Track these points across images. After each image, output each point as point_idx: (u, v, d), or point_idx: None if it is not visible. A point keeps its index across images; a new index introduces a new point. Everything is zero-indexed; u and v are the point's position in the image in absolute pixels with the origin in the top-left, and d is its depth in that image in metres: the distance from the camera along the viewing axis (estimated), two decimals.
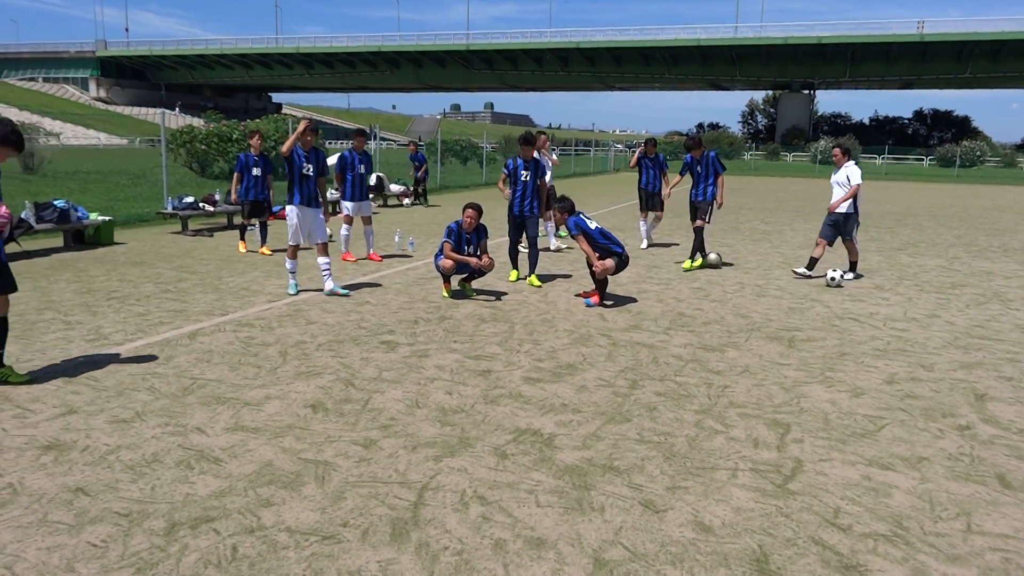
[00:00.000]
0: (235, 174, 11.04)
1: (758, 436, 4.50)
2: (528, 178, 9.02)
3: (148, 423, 4.47)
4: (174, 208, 13.31)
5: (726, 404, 5.04)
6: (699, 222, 10.41)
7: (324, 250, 8.22)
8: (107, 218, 11.88)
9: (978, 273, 10.71)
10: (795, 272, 10.04)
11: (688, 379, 5.56)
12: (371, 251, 10.85)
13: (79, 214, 11.40)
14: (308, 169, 8.00)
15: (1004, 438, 4.56)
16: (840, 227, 9.85)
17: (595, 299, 8.00)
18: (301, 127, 8.07)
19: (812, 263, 9.97)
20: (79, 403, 4.77)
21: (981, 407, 5.10)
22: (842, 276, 9.38)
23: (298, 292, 8.26)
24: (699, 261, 10.59)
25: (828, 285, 9.27)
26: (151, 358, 5.75)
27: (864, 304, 8.38)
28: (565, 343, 6.49)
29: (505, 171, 9.14)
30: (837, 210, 9.78)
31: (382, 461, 4.03)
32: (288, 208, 8.08)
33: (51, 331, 6.47)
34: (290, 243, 8.15)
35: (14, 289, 5.07)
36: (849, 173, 9.74)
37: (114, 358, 5.73)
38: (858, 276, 10.11)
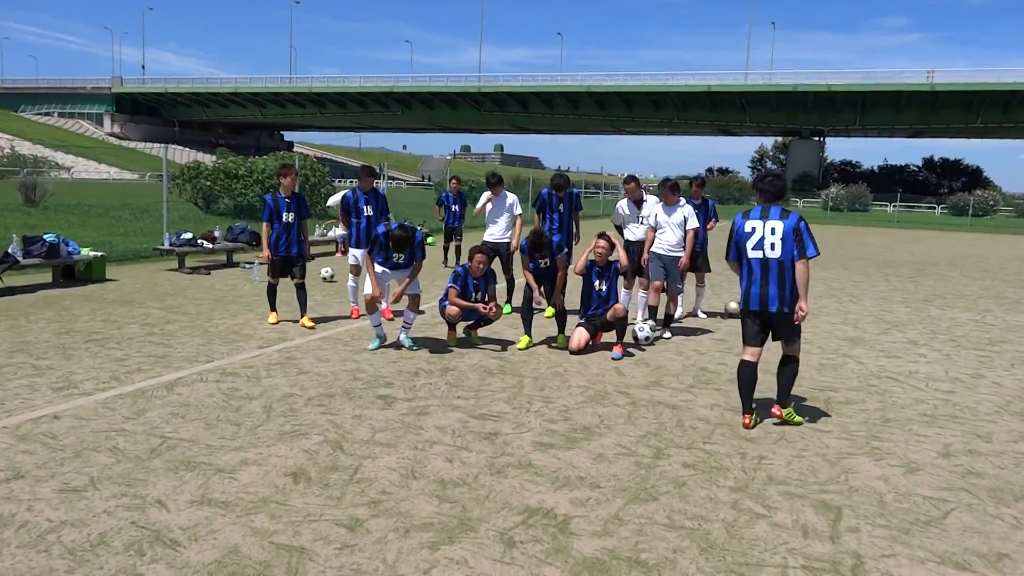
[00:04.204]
0: (263, 224, 8.31)
1: (806, 522, 3.88)
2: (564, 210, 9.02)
3: (102, 493, 3.89)
4: (171, 244, 12.84)
5: (764, 479, 4.42)
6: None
7: (415, 303, 7.63)
8: (99, 253, 11.40)
9: (1015, 328, 10.08)
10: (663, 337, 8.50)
11: (719, 447, 4.95)
12: (385, 304, 10.06)
13: (70, 248, 10.92)
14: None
15: None
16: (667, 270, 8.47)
17: (619, 349, 7.43)
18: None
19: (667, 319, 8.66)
20: (29, 466, 4.20)
21: None
22: (653, 329, 8.08)
23: (379, 347, 7.48)
24: (551, 311, 8.33)
25: (643, 345, 8.04)
26: (120, 412, 5.18)
27: (900, 361, 7.76)
28: (579, 401, 5.89)
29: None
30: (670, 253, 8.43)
31: (368, 548, 3.43)
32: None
33: (17, 376, 5.91)
34: (366, 293, 7.42)
35: None
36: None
37: (80, 410, 5.16)
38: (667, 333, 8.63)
